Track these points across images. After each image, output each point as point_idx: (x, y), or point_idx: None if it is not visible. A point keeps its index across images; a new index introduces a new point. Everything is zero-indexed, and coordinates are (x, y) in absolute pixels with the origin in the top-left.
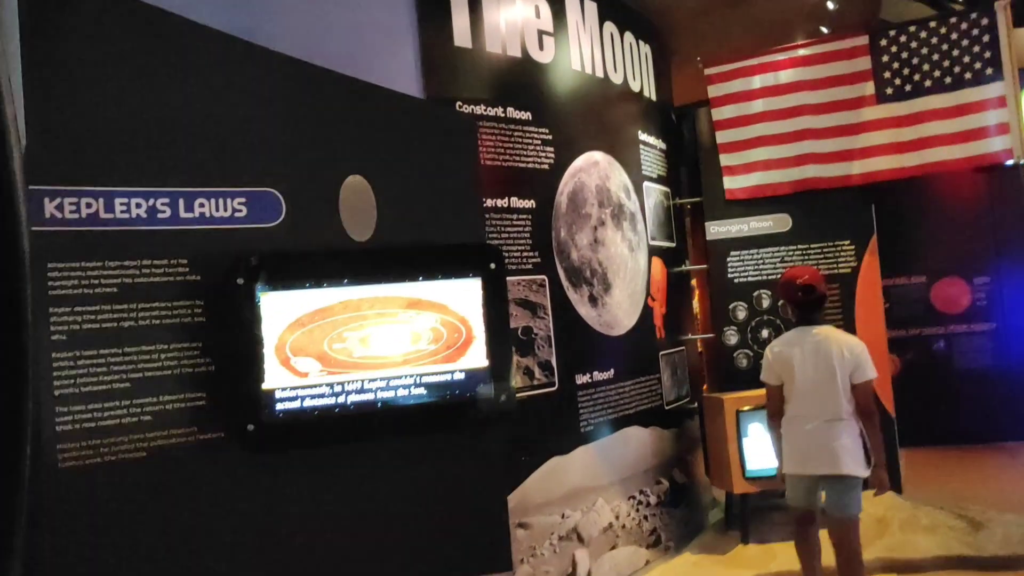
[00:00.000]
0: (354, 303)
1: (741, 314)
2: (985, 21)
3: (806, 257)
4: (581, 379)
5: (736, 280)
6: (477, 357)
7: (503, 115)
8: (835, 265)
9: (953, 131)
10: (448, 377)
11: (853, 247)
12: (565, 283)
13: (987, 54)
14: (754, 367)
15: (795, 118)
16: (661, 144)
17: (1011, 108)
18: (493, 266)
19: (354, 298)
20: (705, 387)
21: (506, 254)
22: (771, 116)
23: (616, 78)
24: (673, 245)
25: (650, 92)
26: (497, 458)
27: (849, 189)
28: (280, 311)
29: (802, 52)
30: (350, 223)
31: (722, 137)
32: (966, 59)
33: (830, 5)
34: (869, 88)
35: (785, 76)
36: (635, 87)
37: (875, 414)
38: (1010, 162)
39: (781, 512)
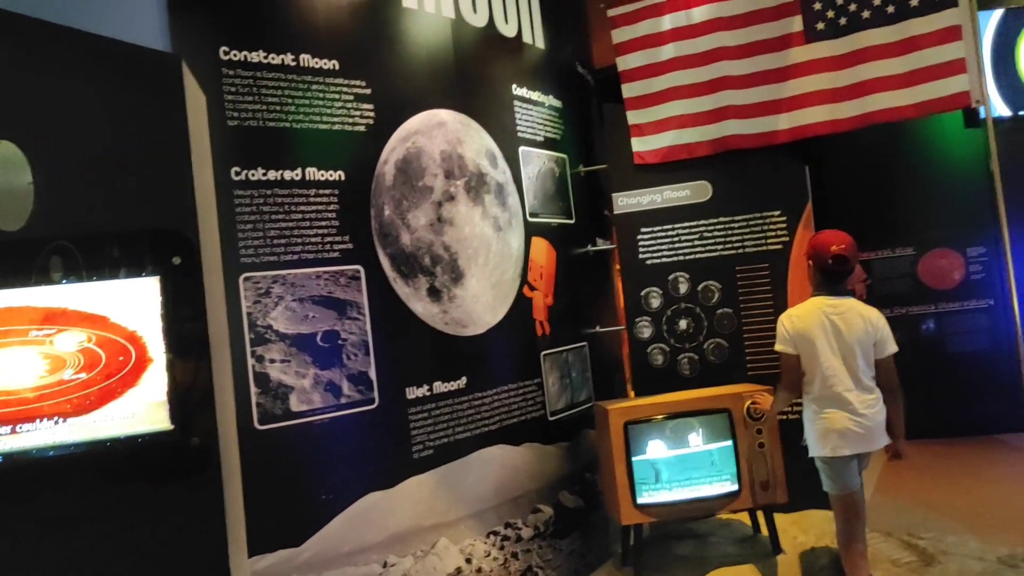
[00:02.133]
0: None
1: (655, 302)
2: None
3: (729, 232)
4: (415, 393)
5: (648, 262)
6: (152, 388)
7: (294, 64)
8: (763, 241)
9: (898, 72)
10: (107, 419)
11: (785, 219)
12: (391, 274)
13: None
14: (671, 364)
15: (712, 64)
16: (553, 102)
17: (967, 41)
18: (178, 260)
19: None
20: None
21: (299, 240)
22: (684, 63)
23: (476, 20)
24: (571, 222)
25: (534, 39)
26: (201, 515)
27: (781, 149)
28: None
29: None
30: None
31: (628, 91)
32: None
33: None
34: (797, 23)
35: (699, 14)
36: (507, 32)
37: (899, 389)
38: (974, 109)
39: (687, 542)
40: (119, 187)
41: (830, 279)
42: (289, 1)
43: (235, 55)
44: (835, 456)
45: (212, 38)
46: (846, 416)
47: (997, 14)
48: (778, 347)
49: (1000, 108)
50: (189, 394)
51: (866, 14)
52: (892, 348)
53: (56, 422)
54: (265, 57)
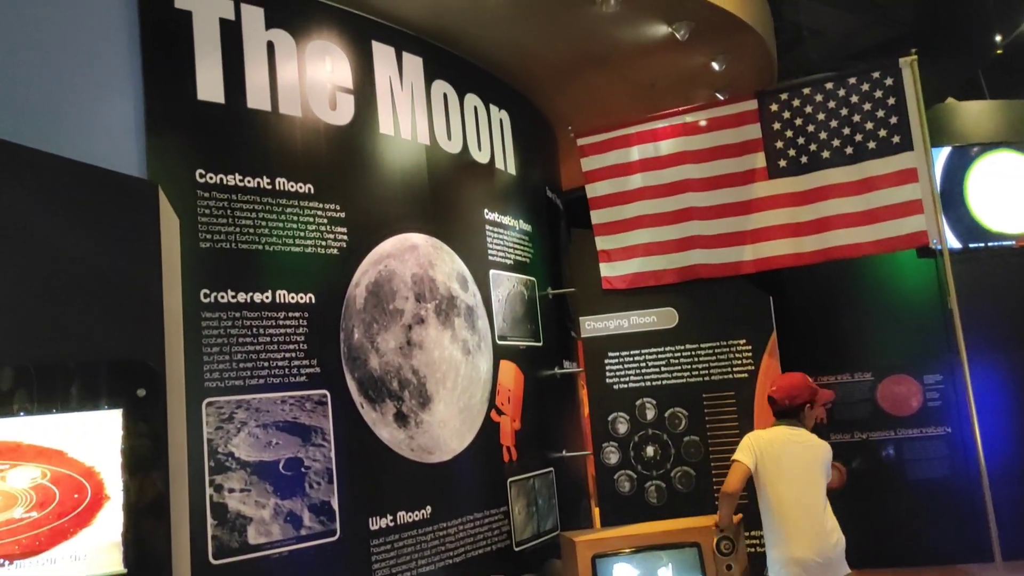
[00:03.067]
0: None
1: (622, 427)
2: (889, 81)
3: (695, 359)
4: (377, 523)
5: (616, 386)
6: (107, 528)
7: (269, 187)
8: (728, 369)
9: (858, 210)
10: (56, 561)
11: (750, 347)
12: (359, 398)
13: (893, 119)
14: (638, 492)
15: (679, 195)
16: (523, 226)
17: (923, 183)
18: (143, 392)
19: None
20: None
21: (265, 363)
22: (651, 192)
23: (451, 147)
24: (539, 344)
25: (506, 165)
26: None
27: (745, 278)
28: None
29: (685, 119)
30: None
31: (597, 217)
32: (869, 125)
33: (715, 66)
34: (760, 160)
35: (666, 147)
36: (481, 158)
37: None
38: (931, 246)
39: None
40: (87, 313)
41: (776, 414)
42: (267, 125)
43: (211, 178)
44: (794, 564)
45: (189, 161)
46: (807, 546)
47: (945, 151)
48: (738, 456)
49: (951, 241)
50: (145, 534)
51: (826, 154)
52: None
53: (2, 564)
54: (241, 180)
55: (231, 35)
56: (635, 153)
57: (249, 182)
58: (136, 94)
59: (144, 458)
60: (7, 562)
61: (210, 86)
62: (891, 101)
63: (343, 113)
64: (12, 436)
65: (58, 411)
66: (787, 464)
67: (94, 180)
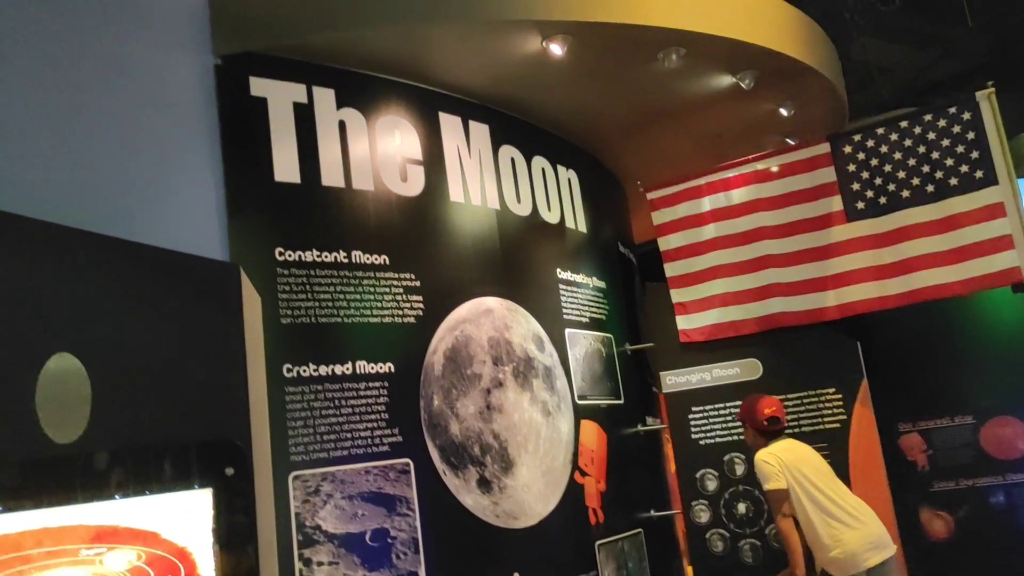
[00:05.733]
0: (12, 540)
1: (711, 484)
2: (967, 115)
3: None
4: None
5: (702, 442)
6: None
7: (346, 260)
8: (819, 420)
9: (943, 249)
10: None
11: (840, 396)
12: (441, 465)
13: (974, 154)
14: (732, 551)
15: (754, 243)
16: (597, 283)
17: (1012, 217)
18: (231, 471)
19: (11, 532)
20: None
21: (348, 434)
22: (726, 242)
23: (520, 209)
24: (620, 402)
25: (576, 223)
26: None
27: (830, 325)
28: None
29: (756, 166)
30: (50, 420)
31: (671, 270)
32: (949, 162)
33: (783, 112)
34: (836, 203)
35: (738, 195)
36: (551, 219)
37: None
38: None
39: None
40: (175, 396)
41: (775, 433)
42: (341, 201)
43: (290, 255)
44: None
45: (268, 240)
46: (866, 531)
47: None
48: (772, 485)
49: None
50: None
51: (905, 193)
52: None
53: None
54: (318, 255)
55: (304, 117)
56: (706, 204)
57: (326, 257)
58: (217, 180)
59: (235, 536)
60: None
61: (286, 167)
62: (970, 135)
63: (414, 184)
64: (109, 519)
65: (151, 493)
66: (810, 472)
67: (180, 266)
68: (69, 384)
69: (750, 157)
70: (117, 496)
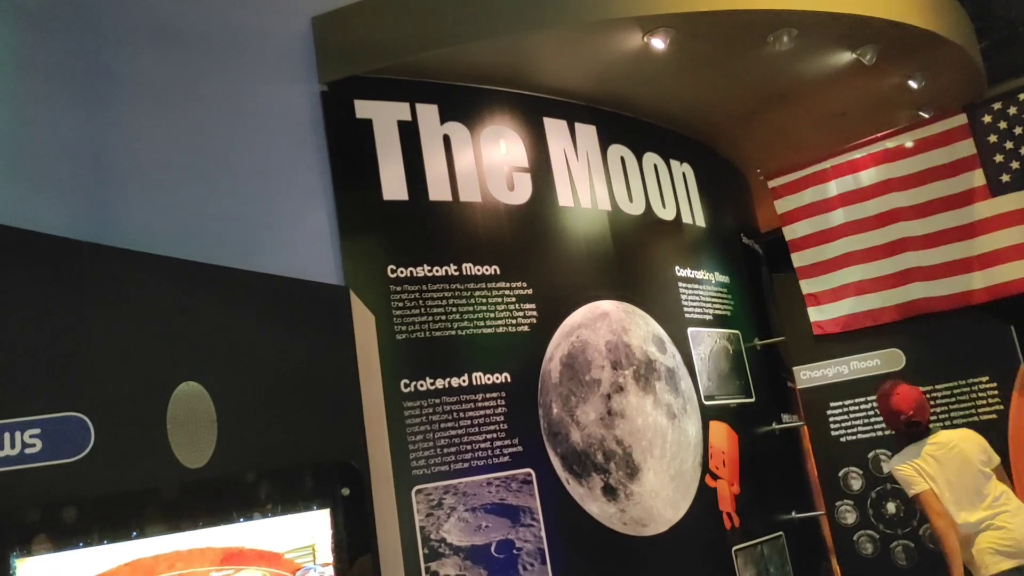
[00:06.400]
0: (146, 564)
1: (855, 483)
2: None
3: (932, 403)
4: None
5: (843, 439)
6: None
7: (456, 273)
8: (973, 411)
9: None
10: None
11: (995, 384)
12: (563, 474)
13: None
14: (883, 553)
15: (888, 226)
16: (719, 278)
17: None
18: (347, 491)
19: (147, 556)
20: None
21: (468, 447)
22: (857, 227)
23: (633, 209)
24: (751, 400)
25: (694, 218)
26: None
27: (978, 309)
28: None
29: (886, 144)
30: (181, 446)
31: (799, 260)
32: None
33: (913, 85)
34: (978, 178)
35: (867, 177)
36: (666, 216)
37: None
38: None
39: None
40: (292, 419)
41: (918, 435)
42: (449, 214)
43: (402, 272)
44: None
45: (380, 259)
46: (990, 533)
47: None
48: (916, 490)
49: None
50: None
51: None
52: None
53: None
54: (429, 270)
55: (409, 134)
56: (833, 188)
57: (437, 271)
58: (328, 204)
59: (353, 553)
60: None
61: (394, 185)
62: None
63: (521, 192)
64: (235, 542)
65: (273, 515)
66: (951, 474)
67: (292, 292)
68: (197, 411)
69: (878, 135)
70: (242, 519)
